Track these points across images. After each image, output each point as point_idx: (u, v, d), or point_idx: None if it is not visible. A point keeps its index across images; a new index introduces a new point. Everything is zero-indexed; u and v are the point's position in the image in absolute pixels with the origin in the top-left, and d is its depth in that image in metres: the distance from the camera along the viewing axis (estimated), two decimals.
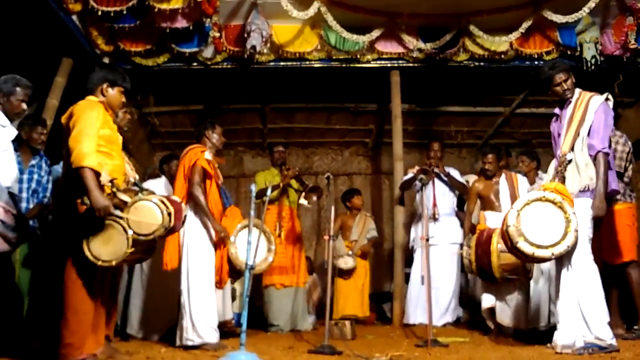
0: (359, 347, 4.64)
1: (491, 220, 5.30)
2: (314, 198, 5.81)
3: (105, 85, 3.64)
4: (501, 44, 6.20)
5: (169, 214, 3.49)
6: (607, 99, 4.10)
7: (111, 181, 3.36)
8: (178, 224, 3.71)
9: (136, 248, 3.40)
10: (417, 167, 6.40)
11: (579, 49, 6.10)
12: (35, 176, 4.69)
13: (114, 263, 3.35)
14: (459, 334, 5.46)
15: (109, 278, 3.74)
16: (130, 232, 3.34)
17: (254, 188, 4.16)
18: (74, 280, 3.37)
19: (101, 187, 3.32)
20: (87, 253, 3.30)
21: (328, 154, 9.41)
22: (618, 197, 4.79)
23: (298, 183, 6.15)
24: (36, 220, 4.63)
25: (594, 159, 3.96)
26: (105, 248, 3.33)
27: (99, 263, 3.31)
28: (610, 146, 4.08)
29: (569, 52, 6.23)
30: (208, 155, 4.76)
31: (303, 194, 5.83)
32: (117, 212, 3.34)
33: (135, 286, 5.52)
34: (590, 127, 4.00)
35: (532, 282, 5.04)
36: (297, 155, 9.18)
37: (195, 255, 4.61)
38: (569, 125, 4.09)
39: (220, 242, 4.67)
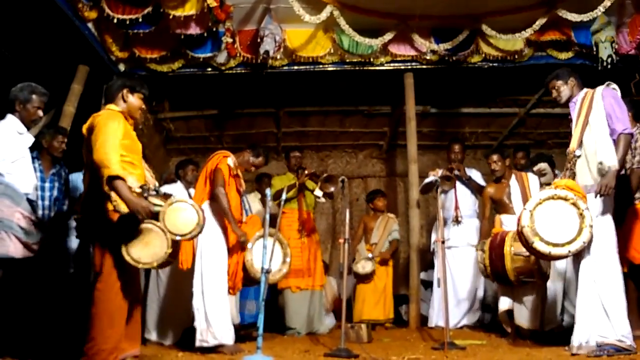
0: (375, 350, 4.63)
1: (507, 223, 5.27)
2: (332, 188, 5.64)
3: (125, 91, 3.67)
4: (516, 42, 6.16)
5: (202, 214, 3.64)
6: (610, 86, 4.09)
7: (141, 187, 3.44)
8: (204, 225, 3.84)
9: (172, 249, 3.55)
10: (438, 170, 6.37)
11: (594, 48, 6.05)
12: (56, 184, 4.76)
13: (155, 265, 3.51)
14: (476, 336, 5.43)
15: (138, 283, 3.78)
16: (168, 233, 3.49)
17: (269, 192, 4.21)
18: (112, 287, 3.42)
19: None
20: (127, 257, 3.41)
21: (342, 157, 9.41)
22: (638, 195, 4.70)
23: (313, 182, 6.11)
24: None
25: (616, 141, 3.91)
26: (145, 251, 3.46)
27: (140, 265, 3.44)
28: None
29: (584, 51, 6.19)
30: (230, 161, 4.81)
31: (319, 184, 5.72)
32: (157, 208, 3.46)
33: (151, 290, 5.57)
34: (605, 114, 3.96)
35: (549, 283, 5.00)
36: (312, 159, 9.18)
37: (209, 257, 4.65)
38: (577, 122, 4.08)
39: (238, 246, 4.70)
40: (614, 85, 4.11)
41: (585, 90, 4.19)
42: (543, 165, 5.59)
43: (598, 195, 3.84)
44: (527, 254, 4.36)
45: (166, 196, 3.71)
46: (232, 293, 4.87)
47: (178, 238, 3.55)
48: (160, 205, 3.52)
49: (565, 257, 3.89)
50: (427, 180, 6.42)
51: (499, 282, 4.97)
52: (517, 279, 4.71)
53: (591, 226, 3.71)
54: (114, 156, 3.33)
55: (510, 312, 5.02)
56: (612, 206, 3.97)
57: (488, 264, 4.84)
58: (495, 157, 5.58)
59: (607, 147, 3.89)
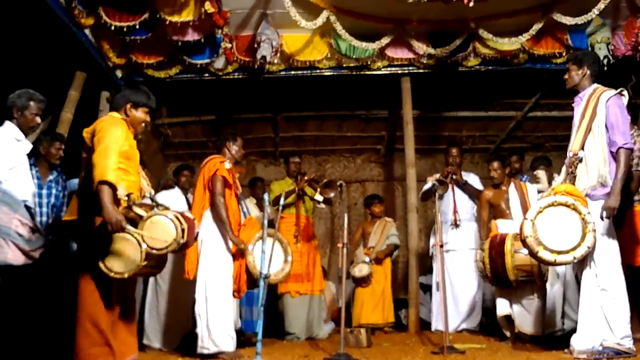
0: (374, 355, 4.63)
1: (503, 228, 5.27)
2: (331, 194, 5.58)
3: (128, 106, 3.67)
4: (512, 44, 6.17)
5: (183, 230, 3.53)
6: (620, 94, 4.02)
7: (127, 195, 3.41)
8: (190, 241, 3.76)
9: (149, 262, 3.45)
10: (436, 175, 6.37)
11: (590, 50, 6.05)
12: (54, 191, 4.75)
13: (126, 275, 3.40)
14: (476, 340, 5.42)
15: (129, 289, 3.75)
16: (144, 245, 3.39)
17: (267, 197, 4.21)
18: (92, 292, 3.41)
19: (117, 201, 3.37)
20: (101, 265, 3.36)
21: (340, 162, 9.42)
22: (637, 197, 4.67)
23: (312, 189, 6.07)
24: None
25: (615, 155, 3.85)
26: (119, 261, 3.38)
27: (112, 274, 3.36)
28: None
29: None
30: (228, 165, 4.80)
31: (318, 190, 5.67)
32: (130, 228, 3.39)
33: (149, 297, 5.56)
34: (607, 123, 3.91)
35: (547, 285, 5.00)
36: (310, 164, 9.18)
37: (212, 263, 4.65)
38: (580, 123, 4.03)
39: (238, 255, 4.70)
40: (625, 93, 4.03)
41: (594, 86, 4.10)
42: (540, 173, 5.59)
43: (602, 218, 3.81)
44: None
45: (158, 206, 3.68)
46: (237, 296, 4.87)
47: (154, 252, 3.46)
48: (142, 216, 3.47)
49: (571, 263, 3.88)
50: (425, 187, 6.42)
51: (497, 283, 4.94)
52: (517, 278, 4.69)
53: (594, 230, 3.70)
54: (112, 162, 3.34)
55: (508, 317, 5.01)
56: None
57: (487, 262, 4.82)
58: (496, 164, 5.59)
59: (606, 160, 3.88)
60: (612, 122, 3.89)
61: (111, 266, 3.37)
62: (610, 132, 3.90)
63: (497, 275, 4.83)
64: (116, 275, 3.37)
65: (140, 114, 3.71)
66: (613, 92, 4.01)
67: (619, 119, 3.89)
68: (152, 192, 3.82)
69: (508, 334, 5.08)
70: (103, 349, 3.38)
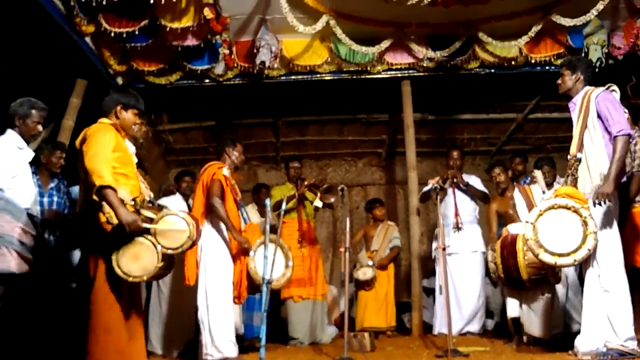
0: (378, 359, 4.62)
1: (514, 231, 5.24)
2: (332, 199, 5.66)
3: (119, 108, 3.68)
4: (511, 49, 6.18)
5: (194, 227, 3.54)
6: (609, 89, 4.03)
7: (134, 199, 3.41)
8: (198, 238, 3.78)
9: (164, 262, 3.46)
10: (437, 178, 6.37)
11: (585, 50, 6.06)
12: (55, 198, 4.76)
13: (145, 278, 3.42)
14: (480, 343, 5.41)
15: (138, 295, 3.74)
16: (159, 247, 3.41)
17: (268, 202, 4.22)
18: (105, 299, 3.39)
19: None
20: (118, 270, 3.35)
21: (342, 166, 9.42)
22: (638, 198, 4.66)
23: (312, 193, 6.09)
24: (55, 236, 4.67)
25: (612, 143, 3.84)
26: (135, 264, 3.38)
27: (130, 279, 3.36)
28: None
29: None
30: (226, 171, 4.81)
31: (318, 195, 5.73)
32: (145, 225, 3.38)
33: (152, 303, 5.57)
34: (600, 118, 3.92)
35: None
36: (311, 168, 9.19)
37: (213, 270, 4.65)
38: (576, 125, 4.05)
39: (242, 253, 4.70)
40: (614, 88, 4.05)
41: (585, 89, 4.11)
42: (537, 173, 5.57)
43: (594, 204, 3.78)
44: None
45: (160, 208, 3.68)
46: (238, 302, 4.87)
47: (169, 252, 3.47)
48: (152, 218, 3.46)
49: (572, 265, 3.88)
50: (425, 189, 6.43)
51: (510, 283, 4.86)
52: (529, 277, 4.65)
53: (595, 232, 3.69)
54: (105, 166, 3.34)
55: (517, 318, 4.98)
56: (617, 212, 3.95)
57: (500, 263, 4.77)
58: (497, 170, 5.58)
59: (604, 158, 3.88)
60: (605, 114, 3.91)
61: (129, 271, 3.36)
62: (606, 125, 3.91)
63: (509, 276, 4.76)
64: (135, 279, 3.38)
65: (130, 115, 3.72)
66: (602, 88, 4.03)
67: (611, 110, 3.89)
68: (152, 195, 3.83)
69: (516, 335, 5.06)
70: (116, 356, 3.37)
